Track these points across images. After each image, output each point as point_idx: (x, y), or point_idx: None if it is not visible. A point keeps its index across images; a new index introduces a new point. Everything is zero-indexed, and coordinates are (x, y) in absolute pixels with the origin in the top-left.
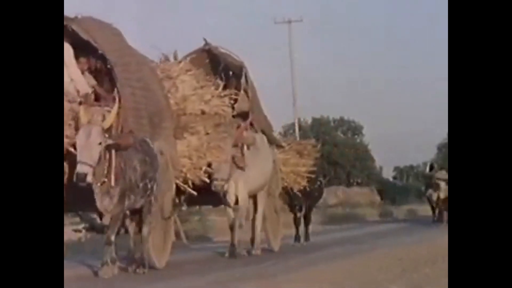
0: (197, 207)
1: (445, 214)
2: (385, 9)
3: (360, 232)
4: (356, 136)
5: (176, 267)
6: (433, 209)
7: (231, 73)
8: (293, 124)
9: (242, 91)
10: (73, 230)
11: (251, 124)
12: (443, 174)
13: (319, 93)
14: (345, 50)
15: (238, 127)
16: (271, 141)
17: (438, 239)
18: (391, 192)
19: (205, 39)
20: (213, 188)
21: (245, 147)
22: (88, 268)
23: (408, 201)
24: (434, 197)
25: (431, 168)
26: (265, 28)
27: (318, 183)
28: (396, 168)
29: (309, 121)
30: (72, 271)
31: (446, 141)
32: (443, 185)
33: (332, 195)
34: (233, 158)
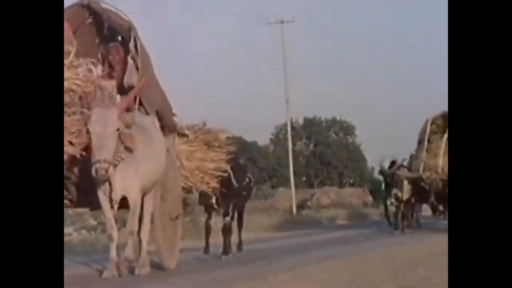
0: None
1: (408, 219)
2: (378, 8)
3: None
4: (348, 137)
5: None
6: (393, 213)
7: (119, 37)
8: (286, 124)
9: (130, 59)
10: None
11: (140, 103)
12: (405, 172)
13: (312, 93)
14: (337, 50)
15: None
16: (170, 128)
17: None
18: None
19: None
20: (93, 174)
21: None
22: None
23: None
24: (398, 197)
25: (392, 165)
26: (258, 28)
27: (247, 180)
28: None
29: (301, 121)
30: (70, 271)
31: None
32: (405, 185)
33: (325, 196)
34: (119, 136)
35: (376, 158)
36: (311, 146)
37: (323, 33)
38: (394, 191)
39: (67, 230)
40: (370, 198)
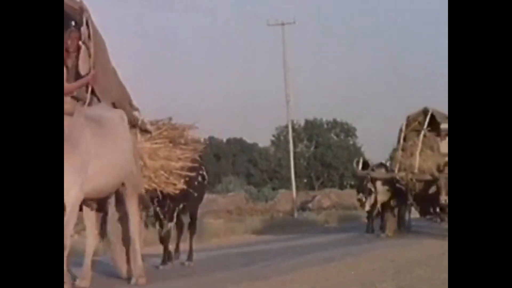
0: None
1: (388, 222)
2: (379, 10)
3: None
4: (349, 138)
5: None
6: (370, 215)
7: (73, 23)
8: (286, 126)
9: (81, 45)
10: None
11: (93, 92)
12: (381, 173)
13: (312, 95)
14: (338, 51)
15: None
16: (130, 123)
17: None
18: None
19: None
20: None
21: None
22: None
23: None
24: (371, 201)
25: (365, 165)
26: (259, 30)
27: (199, 178)
28: None
29: (302, 123)
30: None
31: None
32: (380, 186)
33: (326, 198)
34: None
35: (377, 159)
36: (312, 148)
37: (323, 35)
38: (360, 196)
39: None
40: None
